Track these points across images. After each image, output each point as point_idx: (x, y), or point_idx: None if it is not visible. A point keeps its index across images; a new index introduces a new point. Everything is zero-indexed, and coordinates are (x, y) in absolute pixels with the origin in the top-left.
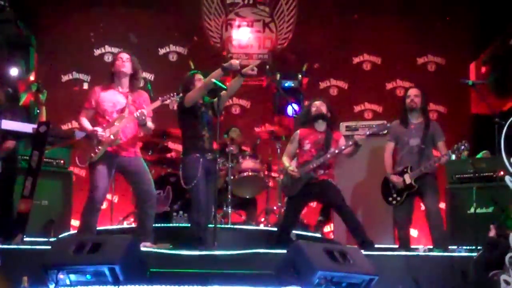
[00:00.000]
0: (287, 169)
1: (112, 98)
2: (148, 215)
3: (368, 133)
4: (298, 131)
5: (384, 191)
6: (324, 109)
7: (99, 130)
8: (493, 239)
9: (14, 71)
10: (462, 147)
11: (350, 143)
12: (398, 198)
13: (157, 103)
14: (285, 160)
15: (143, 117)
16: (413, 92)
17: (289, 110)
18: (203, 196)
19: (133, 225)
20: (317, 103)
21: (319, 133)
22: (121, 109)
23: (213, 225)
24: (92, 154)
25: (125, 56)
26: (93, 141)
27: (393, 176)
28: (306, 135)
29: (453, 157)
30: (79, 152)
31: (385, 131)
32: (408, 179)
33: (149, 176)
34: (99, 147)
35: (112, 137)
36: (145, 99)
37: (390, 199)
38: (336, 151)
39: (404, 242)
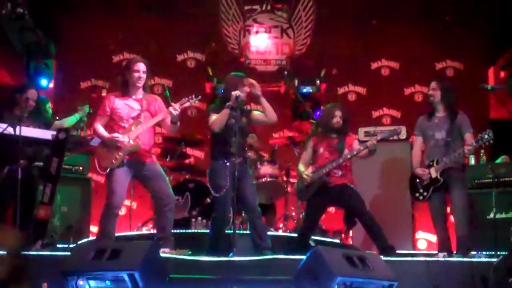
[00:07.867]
0: (302, 173)
1: (127, 105)
2: (168, 218)
3: (378, 138)
4: (311, 138)
5: (411, 187)
6: (341, 120)
7: (119, 136)
8: None
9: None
10: (486, 136)
11: (362, 148)
12: (425, 194)
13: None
14: (300, 166)
15: (177, 112)
16: (431, 86)
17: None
18: (226, 208)
19: (152, 231)
20: (339, 114)
21: (332, 138)
22: (136, 115)
23: (232, 231)
24: (113, 161)
25: (142, 67)
26: (112, 147)
27: (419, 168)
28: (319, 141)
29: (476, 145)
30: (98, 159)
31: (397, 136)
32: (434, 172)
33: (166, 180)
34: (120, 153)
35: (132, 142)
36: (159, 103)
37: (417, 195)
38: (349, 156)
39: (442, 240)
